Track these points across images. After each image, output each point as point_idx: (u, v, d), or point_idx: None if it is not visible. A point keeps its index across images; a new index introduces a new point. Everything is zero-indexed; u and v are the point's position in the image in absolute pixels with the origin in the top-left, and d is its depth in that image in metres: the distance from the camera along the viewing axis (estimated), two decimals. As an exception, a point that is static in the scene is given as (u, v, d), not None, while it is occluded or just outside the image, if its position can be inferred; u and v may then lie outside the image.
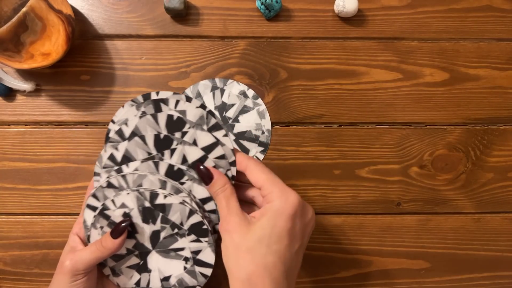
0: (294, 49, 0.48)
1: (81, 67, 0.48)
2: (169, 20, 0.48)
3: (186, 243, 0.38)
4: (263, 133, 0.48)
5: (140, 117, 0.35)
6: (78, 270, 0.36)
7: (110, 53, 0.48)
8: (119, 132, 0.36)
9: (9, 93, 0.47)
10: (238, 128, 0.48)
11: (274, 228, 0.32)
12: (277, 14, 0.48)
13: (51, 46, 0.43)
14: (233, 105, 0.48)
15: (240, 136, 0.48)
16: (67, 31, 0.43)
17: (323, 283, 0.49)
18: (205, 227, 0.37)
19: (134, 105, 0.36)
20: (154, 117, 0.35)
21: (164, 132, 0.36)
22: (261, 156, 0.48)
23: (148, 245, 0.39)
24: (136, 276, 0.40)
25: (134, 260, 0.39)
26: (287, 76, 0.48)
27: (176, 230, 0.38)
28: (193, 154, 0.36)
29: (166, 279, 0.39)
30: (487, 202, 0.50)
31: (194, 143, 0.36)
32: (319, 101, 0.49)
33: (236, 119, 0.48)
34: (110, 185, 0.37)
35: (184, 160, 0.36)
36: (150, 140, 0.36)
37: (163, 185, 0.37)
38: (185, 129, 0.36)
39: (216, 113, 0.48)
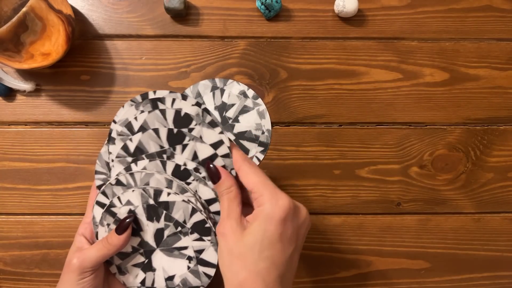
0: (294, 49, 0.48)
1: (81, 67, 0.48)
2: (169, 20, 0.48)
3: (189, 242, 0.39)
4: (263, 133, 0.48)
5: (149, 112, 0.36)
6: (85, 268, 0.37)
7: (110, 53, 0.48)
8: (129, 126, 0.37)
9: (9, 93, 0.47)
10: (238, 128, 0.48)
11: (265, 233, 0.32)
12: (277, 14, 0.48)
13: (51, 46, 0.43)
14: (233, 105, 0.48)
15: (240, 136, 0.48)
16: (67, 31, 0.43)
17: (323, 283, 0.50)
18: (207, 225, 0.38)
19: (133, 104, 0.36)
20: (163, 112, 0.36)
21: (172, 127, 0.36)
22: (261, 156, 0.48)
23: (152, 243, 0.39)
24: (141, 275, 0.40)
25: (139, 259, 0.40)
26: (287, 76, 0.48)
27: (179, 228, 0.39)
28: (204, 151, 0.37)
29: (170, 278, 0.40)
30: (487, 202, 0.50)
31: (201, 139, 0.37)
32: (319, 101, 0.49)
33: (236, 119, 0.48)
34: (118, 183, 0.38)
35: (194, 157, 0.37)
36: (163, 134, 0.37)
37: (170, 184, 0.38)
38: (191, 126, 0.36)
39: (216, 113, 0.48)
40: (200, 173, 0.37)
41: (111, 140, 0.38)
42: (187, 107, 0.36)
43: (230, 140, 0.37)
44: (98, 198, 0.39)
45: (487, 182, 0.50)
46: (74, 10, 0.48)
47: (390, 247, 0.50)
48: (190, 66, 0.48)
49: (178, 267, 0.40)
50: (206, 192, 0.38)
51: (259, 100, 0.49)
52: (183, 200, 0.37)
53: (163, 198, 0.38)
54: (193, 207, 0.37)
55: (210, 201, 0.38)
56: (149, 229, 0.39)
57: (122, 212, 0.38)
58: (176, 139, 0.37)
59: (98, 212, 0.39)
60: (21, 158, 0.48)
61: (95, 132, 0.48)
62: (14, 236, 0.48)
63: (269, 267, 0.32)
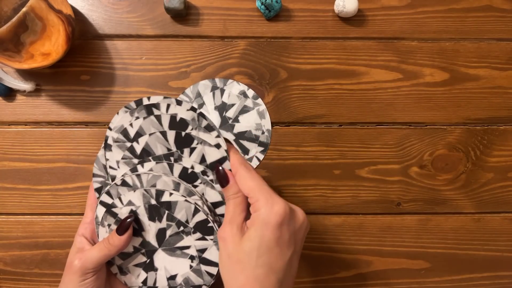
0: (294, 49, 0.48)
1: (81, 67, 0.48)
2: (169, 20, 0.48)
3: (191, 241, 0.39)
4: (263, 133, 0.48)
5: (144, 118, 0.37)
6: (87, 269, 0.37)
7: (110, 53, 0.48)
8: (124, 132, 0.38)
9: (9, 93, 0.48)
10: (238, 128, 0.48)
11: (262, 238, 0.32)
12: (277, 14, 0.48)
13: (51, 46, 0.43)
14: (233, 105, 0.48)
15: (240, 136, 0.48)
16: (67, 31, 0.43)
17: (323, 283, 0.50)
18: (210, 225, 0.38)
19: (128, 111, 0.37)
20: (158, 118, 0.37)
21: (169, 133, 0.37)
22: (261, 156, 0.48)
23: (154, 243, 0.40)
24: (143, 275, 0.41)
25: (140, 258, 0.40)
26: (287, 76, 0.48)
27: (181, 228, 0.39)
28: (213, 154, 0.37)
29: (172, 277, 0.40)
30: (487, 202, 0.50)
31: (209, 143, 0.37)
32: (319, 101, 0.49)
33: (236, 119, 0.48)
34: (124, 183, 0.38)
35: (202, 160, 0.37)
36: (171, 137, 0.37)
37: (177, 186, 0.38)
38: (187, 131, 0.37)
39: (216, 113, 0.48)
40: (208, 176, 0.37)
41: (107, 147, 0.38)
42: (183, 112, 0.36)
43: (229, 142, 0.37)
44: (102, 198, 0.39)
45: (487, 182, 0.50)
46: (74, 10, 0.48)
47: (390, 247, 0.50)
48: (190, 66, 0.49)
49: (180, 267, 0.40)
50: (213, 195, 0.38)
51: (259, 100, 0.49)
52: (185, 200, 0.37)
53: (165, 198, 0.38)
54: (195, 207, 0.38)
55: (216, 204, 0.39)
56: (151, 229, 0.39)
57: (123, 212, 0.39)
58: (184, 142, 0.37)
59: (102, 212, 0.39)
60: (21, 158, 0.48)
61: (95, 132, 0.48)
62: (14, 236, 0.49)
63: (267, 272, 0.32)
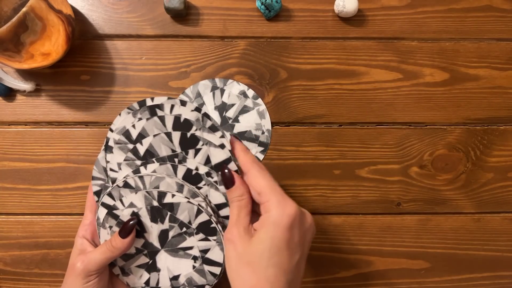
0: (294, 49, 0.48)
1: (81, 67, 0.48)
2: (169, 20, 0.48)
3: (194, 242, 0.40)
4: (263, 133, 0.48)
5: (148, 119, 0.37)
6: (90, 271, 0.37)
7: (110, 53, 0.48)
8: (126, 134, 0.38)
9: (9, 93, 0.48)
10: (238, 128, 0.48)
11: (273, 240, 0.33)
12: (277, 14, 0.49)
13: (51, 46, 0.43)
14: (233, 105, 0.48)
15: (240, 136, 0.48)
16: (67, 31, 0.43)
17: (323, 283, 0.50)
18: (213, 225, 0.38)
19: (131, 112, 0.36)
20: (162, 119, 0.37)
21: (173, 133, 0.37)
22: (261, 156, 0.48)
23: (156, 244, 0.40)
24: (145, 276, 0.41)
25: (143, 260, 0.41)
26: (287, 76, 0.48)
27: (184, 229, 0.39)
28: (218, 155, 0.37)
29: (175, 278, 0.41)
30: (487, 202, 0.50)
31: (214, 144, 0.37)
32: (319, 101, 0.49)
33: (236, 119, 0.48)
34: (126, 185, 0.38)
35: (207, 161, 0.37)
36: (176, 138, 0.37)
37: (180, 188, 0.38)
38: (192, 131, 0.37)
39: (216, 113, 0.48)
40: (212, 178, 0.37)
41: (108, 149, 0.37)
42: (187, 113, 0.36)
43: (239, 140, 0.37)
44: (104, 200, 0.39)
45: (487, 182, 0.50)
46: (74, 10, 0.48)
47: (390, 247, 0.50)
48: (190, 66, 0.49)
49: (183, 267, 0.40)
50: (217, 197, 0.39)
51: (259, 100, 0.49)
52: (188, 201, 0.38)
53: (168, 199, 0.38)
54: (198, 208, 0.38)
55: (220, 206, 0.39)
56: (153, 230, 0.39)
57: (125, 214, 0.39)
58: (189, 143, 0.37)
59: (103, 213, 0.39)
60: (21, 158, 0.48)
61: (95, 132, 0.48)
62: (14, 236, 0.49)
63: (277, 273, 0.32)
